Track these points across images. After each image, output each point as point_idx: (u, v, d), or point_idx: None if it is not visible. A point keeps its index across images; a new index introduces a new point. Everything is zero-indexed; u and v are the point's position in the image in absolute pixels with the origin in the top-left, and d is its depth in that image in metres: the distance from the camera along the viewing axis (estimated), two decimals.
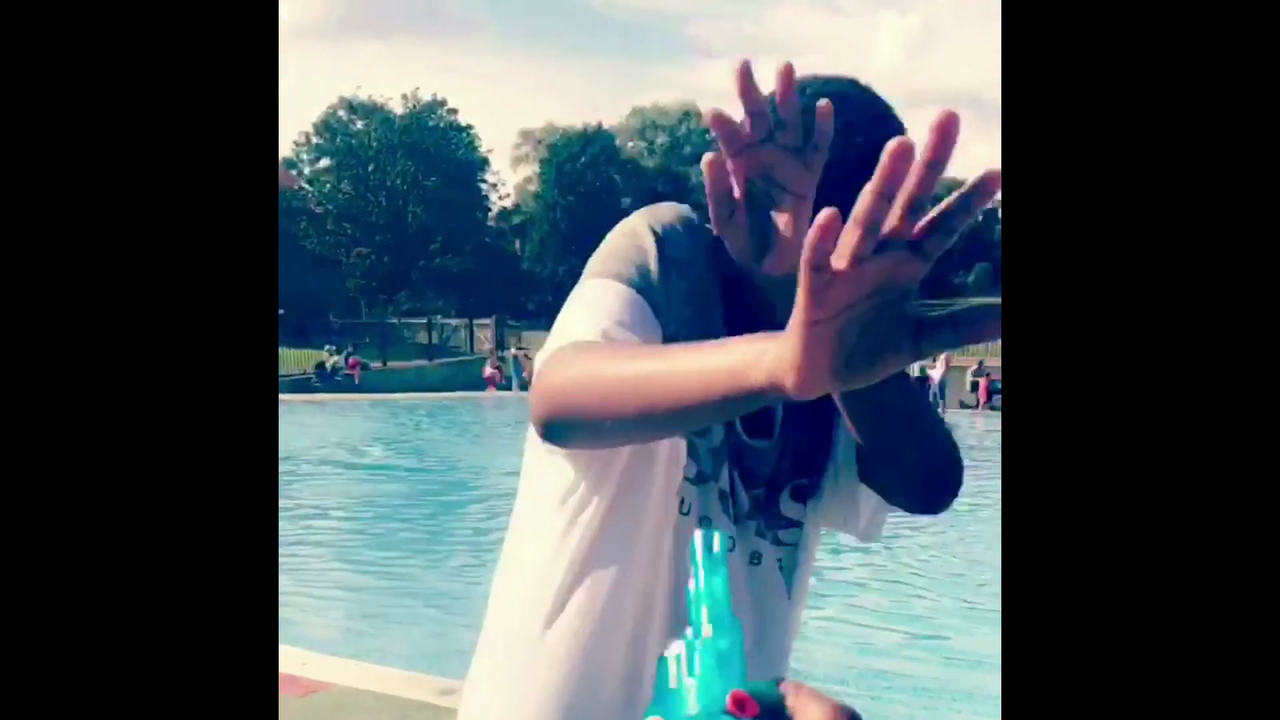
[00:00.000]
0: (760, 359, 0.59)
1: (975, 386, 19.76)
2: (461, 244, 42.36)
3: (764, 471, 0.95)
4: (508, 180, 51.62)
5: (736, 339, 0.64)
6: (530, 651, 0.91)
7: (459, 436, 14.62)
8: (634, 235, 0.89)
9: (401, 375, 23.25)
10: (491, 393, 21.39)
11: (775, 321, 0.64)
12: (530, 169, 48.18)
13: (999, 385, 19.21)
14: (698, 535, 0.43)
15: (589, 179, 43.70)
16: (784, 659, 1.01)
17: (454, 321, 30.77)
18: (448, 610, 5.32)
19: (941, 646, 5.12)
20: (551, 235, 43.73)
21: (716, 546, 0.43)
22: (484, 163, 47.41)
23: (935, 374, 18.43)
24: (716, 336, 0.70)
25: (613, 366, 0.75)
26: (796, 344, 0.55)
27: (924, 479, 0.90)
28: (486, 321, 28.06)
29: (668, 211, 0.92)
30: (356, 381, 21.92)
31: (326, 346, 23.46)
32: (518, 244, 48.14)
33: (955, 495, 0.91)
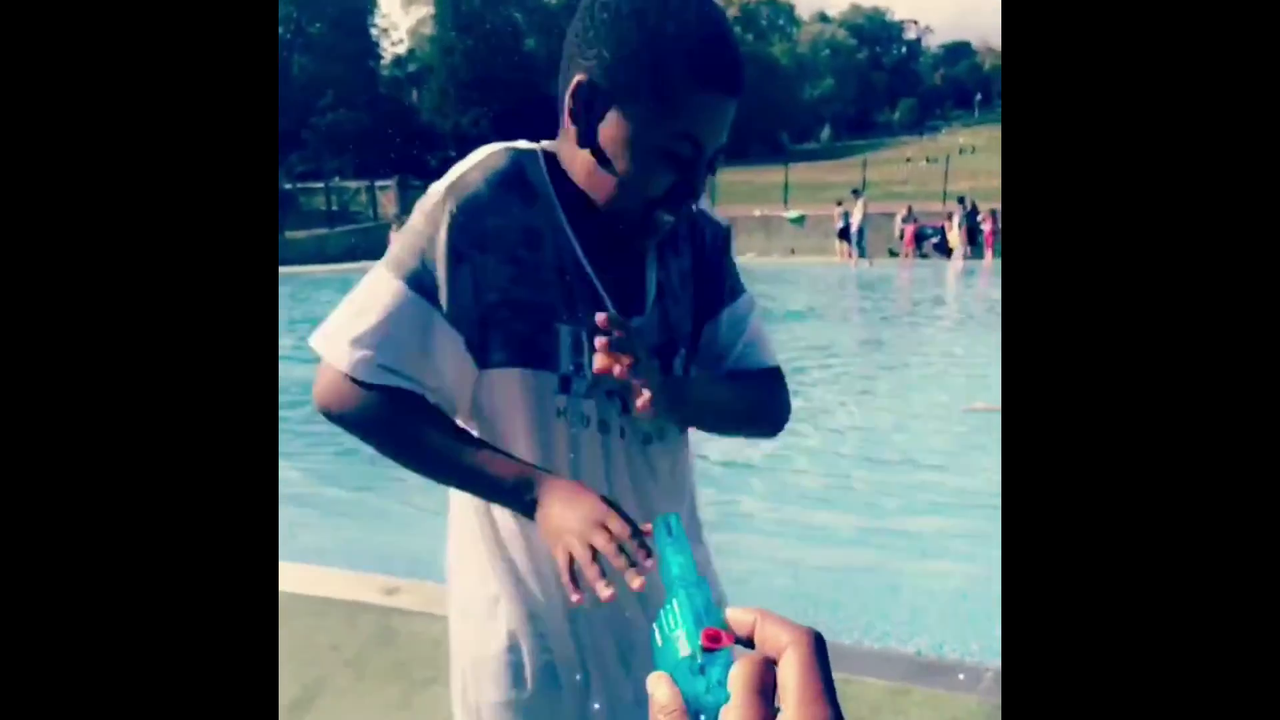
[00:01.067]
0: (525, 488, 0.95)
1: (903, 235, 19.42)
2: (354, 97, 39.85)
3: (651, 342, 1.07)
4: (400, 24, 48.50)
5: (517, 461, 0.99)
6: (485, 544, 1.11)
7: None
8: (429, 218, 0.98)
9: (300, 245, 21.99)
10: None
11: (627, 239, 1.04)
12: (424, 9, 45.18)
13: (928, 231, 19.11)
14: (656, 524, 0.56)
15: (488, 19, 41.16)
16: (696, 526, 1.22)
17: (353, 184, 29.20)
18: (378, 507, 4.98)
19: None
20: (451, 84, 41.45)
21: (673, 530, 0.54)
22: (372, 4, 44.17)
23: (855, 219, 18.22)
24: (571, 269, 1.03)
25: (404, 444, 1.01)
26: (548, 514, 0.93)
27: (758, 434, 1.19)
28: (389, 183, 26.67)
29: (476, 169, 1.00)
30: None
31: None
32: (415, 94, 45.55)
33: (781, 429, 1.18)
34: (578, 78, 0.96)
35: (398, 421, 0.97)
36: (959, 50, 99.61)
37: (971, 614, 3.21)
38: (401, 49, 47.20)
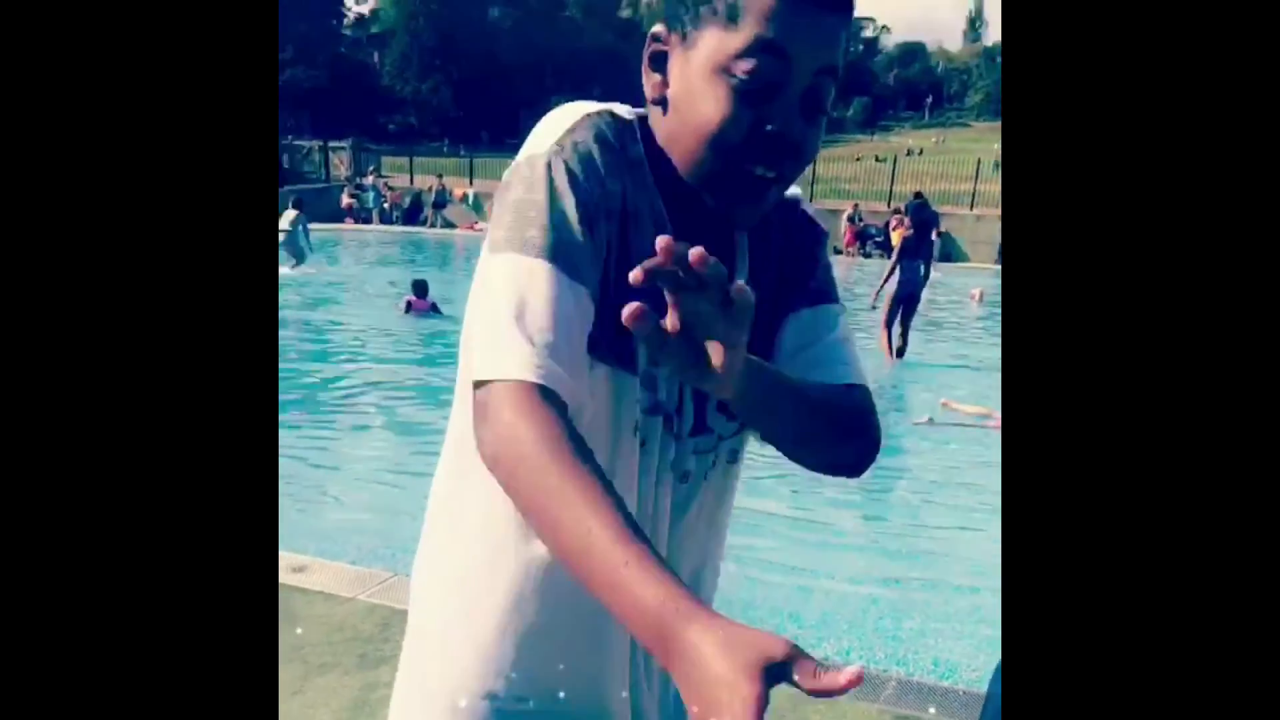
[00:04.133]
0: (664, 636, 0.60)
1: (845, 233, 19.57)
2: (314, 55, 38.96)
3: None
4: None
5: (666, 582, 0.62)
6: (491, 574, 0.92)
7: (314, 281, 13.58)
8: (543, 181, 0.81)
9: None
10: (350, 225, 20.07)
11: (721, 217, 0.85)
12: None
13: (871, 231, 19.24)
14: None
15: None
16: (715, 580, 1.05)
17: (307, 143, 28.55)
18: (294, 482, 4.87)
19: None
20: (413, 48, 40.72)
21: None
22: None
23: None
24: (660, 230, 0.84)
25: (552, 503, 0.69)
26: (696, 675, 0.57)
27: (830, 469, 0.92)
28: (342, 144, 26.12)
29: (580, 130, 0.84)
30: None
31: None
32: (376, 57, 44.66)
33: (867, 467, 0.93)
34: (653, 29, 0.84)
35: (544, 480, 0.70)
36: (914, 51, 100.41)
37: (879, 622, 3.23)
38: (365, 8, 46.20)
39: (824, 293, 0.96)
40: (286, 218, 11.92)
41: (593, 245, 0.81)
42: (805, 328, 0.95)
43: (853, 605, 3.41)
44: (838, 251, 19.59)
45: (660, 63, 0.85)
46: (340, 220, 20.29)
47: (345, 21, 44.73)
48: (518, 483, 0.71)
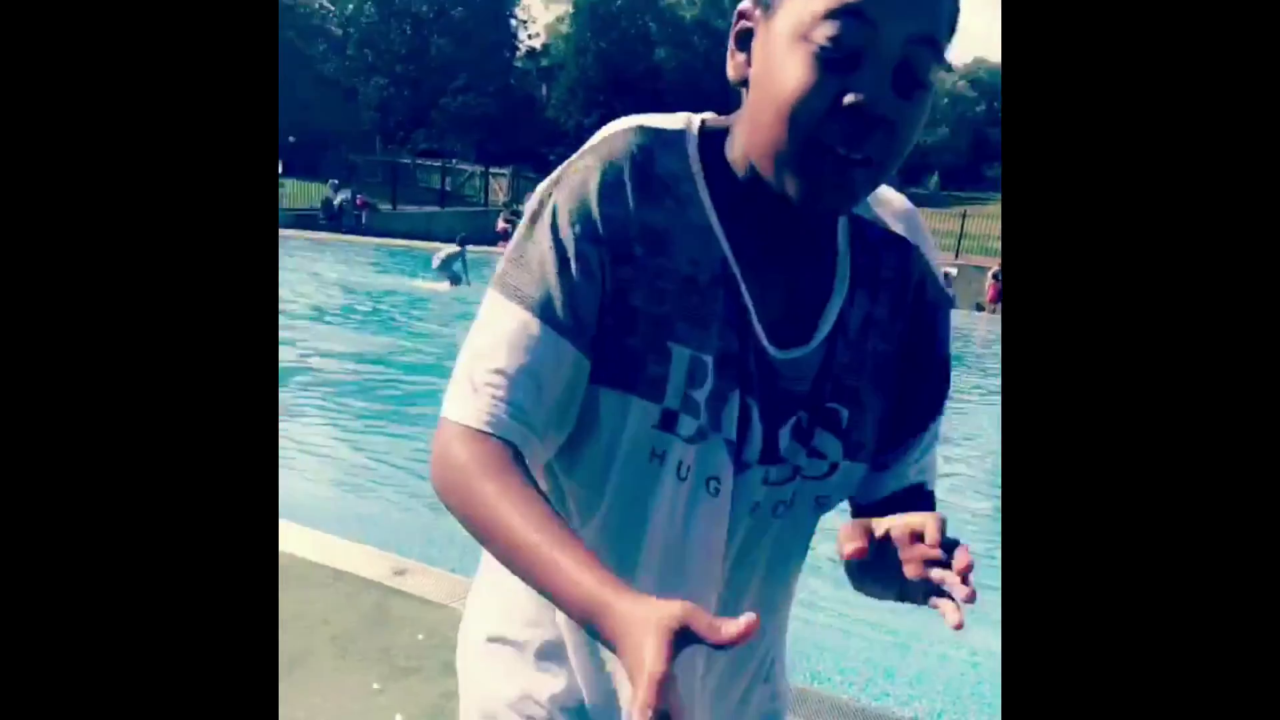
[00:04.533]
0: (600, 615, 0.65)
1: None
2: (485, 84, 40.75)
3: (800, 389, 0.85)
4: (538, 18, 49.59)
5: (592, 570, 0.67)
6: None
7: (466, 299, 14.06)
8: (533, 220, 0.81)
9: (410, 219, 22.40)
10: (503, 247, 20.66)
11: (792, 216, 0.80)
12: (563, 7, 45.91)
13: None
14: None
15: (624, 25, 41.61)
16: (781, 625, 1.00)
17: (469, 167, 29.79)
18: (413, 486, 4.99)
19: None
20: (580, 83, 42.04)
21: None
22: None
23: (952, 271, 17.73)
24: (707, 273, 0.80)
25: (488, 518, 0.74)
26: (630, 648, 0.62)
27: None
28: (503, 171, 27.11)
29: (588, 159, 0.80)
30: (363, 222, 21.25)
31: (330, 181, 22.72)
32: (544, 89, 46.36)
33: None
34: (740, 6, 0.79)
35: (483, 487, 0.74)
36: None
37: (977, 687, 3.00)
38: (537, 43, 48.10)
39: (942, 393, 0.91)
40: (447, 250, 13.03)
41: (581, 286, 0.79)
42: (924, 448, 0.91)
43: (950, 668, 3.18)
44: (979, 308, 18.97)
45: (745, 41, 0.78)
46: (495, 243, 21.01)
47: (518, 54, 46.73)
48: (459, 509, 0.76)
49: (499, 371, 0.78)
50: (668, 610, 0.60)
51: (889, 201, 0.90)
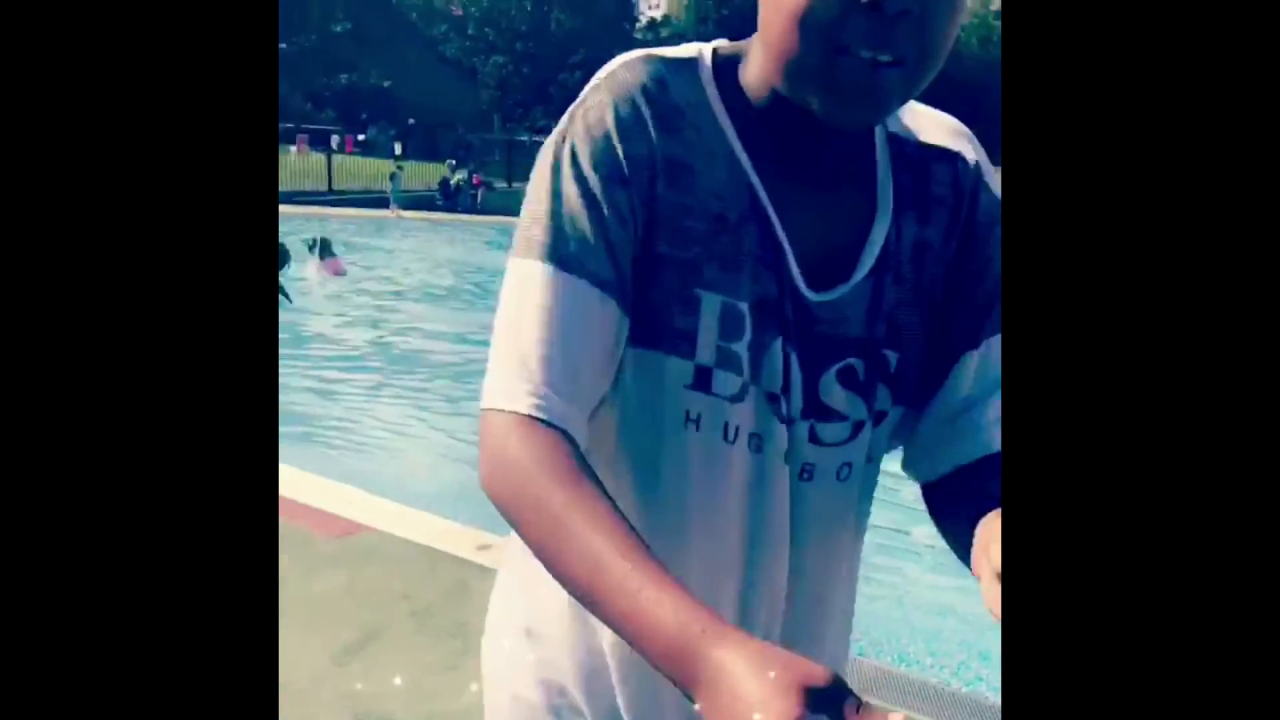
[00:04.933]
0: (686, 660, 0.54)
1: None
2: (604, 57, 40.62)
3: (842, 332, 0.76)
4: None
5: (686, 603, 0.56)
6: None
7: None
8: (546, 171, 0.72)
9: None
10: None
11: (821, 137, 0.72)
12: None
13: None
14: None
15: None
16: (848, 615, 0.90)
17: None
18: None
19: None
20: None
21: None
22: None
23: None
24: (734, 206, 0.72)
25: (556, 532, 0.63)
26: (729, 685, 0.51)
27: None
28: None
29: (598, 93, 0.73)
30: (479, 202, 21.71)
31: (448, 161, 23.29)
32: None
33: None
34: None
35: (550, 496, 0.64)
36: None
37: None
38: (657, 13, 47.85)
39: (995, 312, 0.78)
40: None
41: (616, 234, 0.70)
42: (987, 368, 0.78)
43: None
44: None
45: None
46: None
47: (637, 26, 46.61)
48: (518, 514, 0.66)
49: (543, 343, 0.68)
50: (802, 669, 0.50)
51: (929, 114, 0.81)
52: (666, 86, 0.73)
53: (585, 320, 0.69)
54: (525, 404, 0.67)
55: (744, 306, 0.73)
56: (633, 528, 0.61)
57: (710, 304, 0.73)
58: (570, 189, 0.70)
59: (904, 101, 0.70)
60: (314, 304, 9.48)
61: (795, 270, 0.74)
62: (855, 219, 0.77)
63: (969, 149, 0.80)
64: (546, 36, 40.79)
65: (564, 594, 0.78)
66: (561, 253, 0.69)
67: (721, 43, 0.78)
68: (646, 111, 0.72)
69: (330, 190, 21.76)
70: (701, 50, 0.76)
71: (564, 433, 0.67)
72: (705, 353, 0.73)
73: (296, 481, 3.75)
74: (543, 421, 0.67)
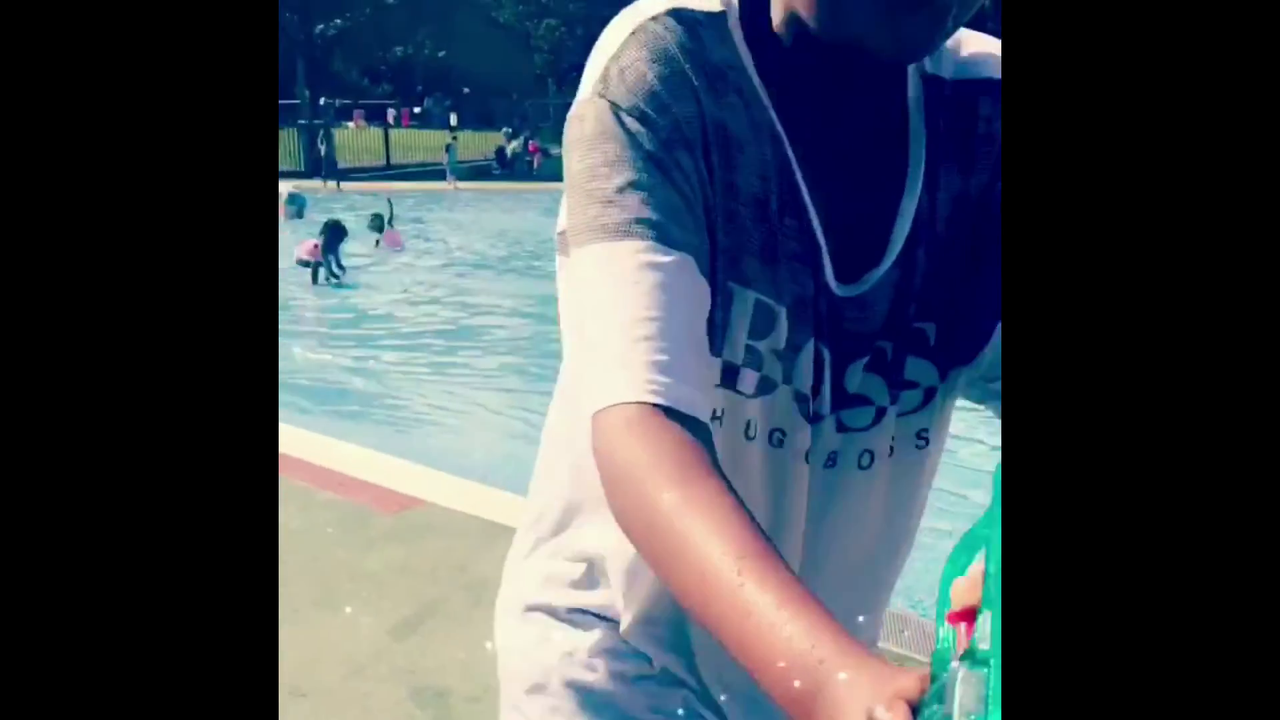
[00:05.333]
0: (809, 692, 0.45)
1: None
2: None
3: (875, 323, 0.71)
4: None
5: (802, 626, 0.47)
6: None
7: None
8: (597, 138, 0.63)
9: None
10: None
11: (854, 91, 0.66)
12: None
13: None
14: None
15: None
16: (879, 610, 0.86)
17: None
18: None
19: None
20: None
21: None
22: None
23: None
24: (775, 177, 0.66)
25: (669, 542, 0.54)
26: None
27: None
28: None
29: (629, 52, 0.64)
30: (535, 168, 21.71)
31: (504, 130, 23.33)
32: None
33: None
34: None
35: (659, 498, 0.55)
36: None
37: None
38: None
39: None
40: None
41: (687, 197, 0.63)
42: None
43: None
44: None
45: None
46: None
47: None
48: (630, 527, 0.58)
49: (650, 323, 0.59)
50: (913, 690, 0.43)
51: (970, 40, 0.72)
52: (704, 44, 0.65)
53: (691, 296, 0.62)
54: (638, 391, 0.57)
55: (780, 309, 0.68)
56: (758, 530, 0.52)
57: (743, 300, 0.67)
58: (631, 156, 0.62)
59: (965, 11, 0.61)
60: (373, 280, 9.61)
61: (829, 267, 0.69)
62: (886, 190, 0.70)
63: None
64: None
65: (574, 565, 0.81)
66: (647, 226, 0.61)
67: None
68: (691, 71, 0.64)
69: (388, 165, 22.02)
70: (721, 2, 0.68)
71: (689, 421, 0.58)
72: (733, 350, 0.68)
73: (353, 458, 3.82)
74: (663, 409, 0.58)
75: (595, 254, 0.62)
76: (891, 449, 0.75)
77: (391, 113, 26.69)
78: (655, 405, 0.58)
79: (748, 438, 0.71)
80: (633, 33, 0.65)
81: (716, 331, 0.67)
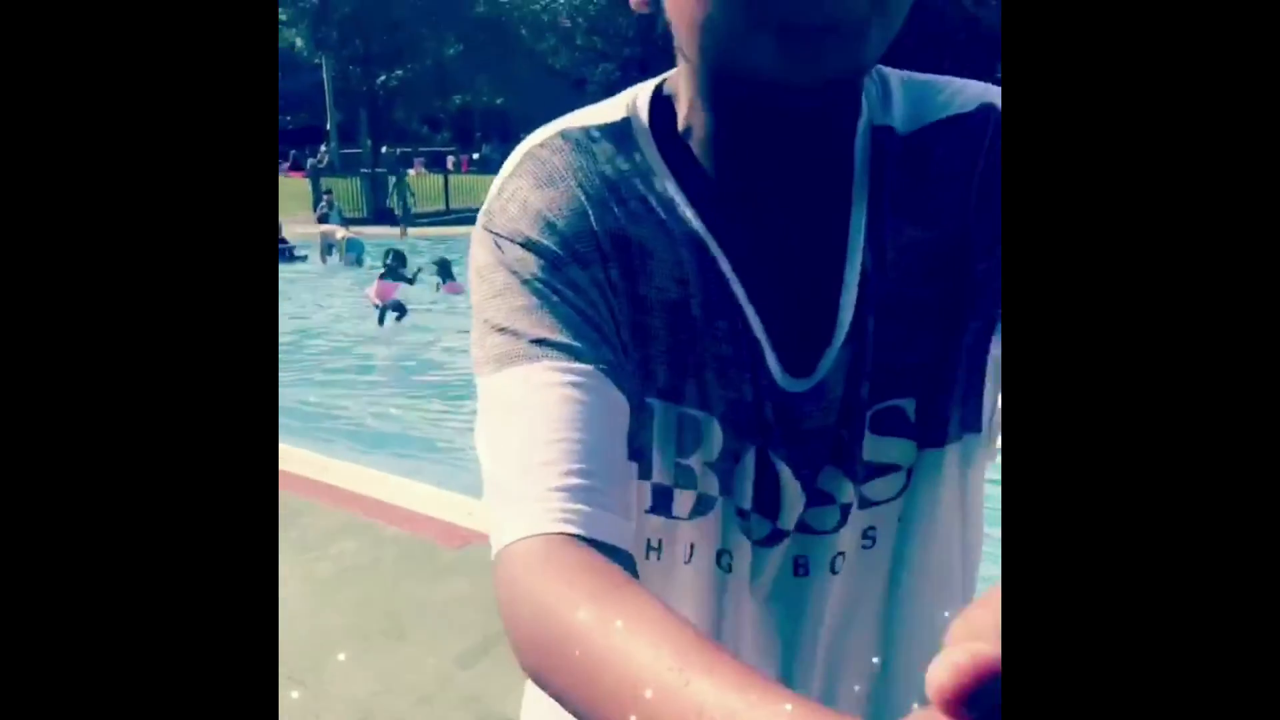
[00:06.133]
0: None
1: None
2: None
3: (823, 420, 0.63)
4: None
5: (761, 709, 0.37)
6: None
7: None
8: (504, 263, 0.59)
9: None
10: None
11: (783, 155, 0.59)
12: None
13: None
14: None
15: None
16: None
17: None
18: None
19: None
20: None
21: None
22: None
23: None
24: (709, 283, 0.60)
25: (580, 665, 0.44)
26: None
27: None
28: None
29: (541, 177, 0.61)
30: None
31: None
32: None
33: None
34: None
35: (573, 619, 0.46)
36: None
37: None
38: None
39: None
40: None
41: (581, 309, 0.58)
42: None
43: None
44: None
45: None
46: None
47: None
48: (539, 663, 0.48)
49: (554, 444, 0.53)
50: None
51: (924, 84, 0.65)
52: (595, 159, 0.62)
53: (605, 411, 0.55)
54: (547, 521, 0.50)
55: (707, 417, 0.62)
56: (696, 630, 0.43)
57: (665, 415, 0.63)
58: (519, 282, 0.58)
59: (863, 67, 0.55)
60: (432, 321, 9.82)
61: (774, 364, 0.62)
62: (829, 264, 0.63)
63: (979, 96, 0.64)
64: (652, 40, 40.92)
65: None
66: (546, 346, 0.56)
67: (651, 87, 0.66)
68: (579, 188, 0.61)
69: (447, 209, 22.47)
70: (635, 103, 0.64)
71: (609, 550, 0.50)
72: (661, 472, 0.63)
73: (418, 494, 3.92)
74: (578, 539, 0.50)
75: (497, 383, 0.57)
76: (875, 540, 0.67)
77: (451, 159, 27.32)
78: (569, 535, 0.50)
79: (685, 563, 0.66)
80: (519, 162, 0.63)
81: (641, 454, 0.62)
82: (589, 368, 0.56)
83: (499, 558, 0.52)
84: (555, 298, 0.58)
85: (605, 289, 0.60)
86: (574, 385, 0.55)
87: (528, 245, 0.59)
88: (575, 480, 0.52)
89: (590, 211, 0.60)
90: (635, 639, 0.42)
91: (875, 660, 0.70)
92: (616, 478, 0.55)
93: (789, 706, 0.37)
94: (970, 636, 0.33)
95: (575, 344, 0.56)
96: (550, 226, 0.60)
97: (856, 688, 0.70)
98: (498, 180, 0.63)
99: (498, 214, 0.61)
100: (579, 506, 0.51)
